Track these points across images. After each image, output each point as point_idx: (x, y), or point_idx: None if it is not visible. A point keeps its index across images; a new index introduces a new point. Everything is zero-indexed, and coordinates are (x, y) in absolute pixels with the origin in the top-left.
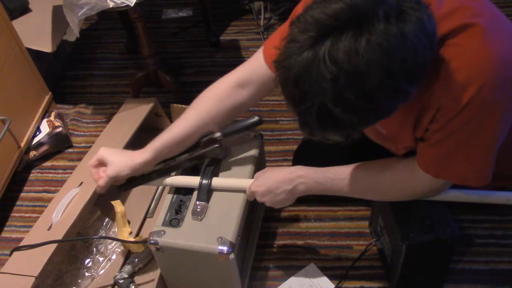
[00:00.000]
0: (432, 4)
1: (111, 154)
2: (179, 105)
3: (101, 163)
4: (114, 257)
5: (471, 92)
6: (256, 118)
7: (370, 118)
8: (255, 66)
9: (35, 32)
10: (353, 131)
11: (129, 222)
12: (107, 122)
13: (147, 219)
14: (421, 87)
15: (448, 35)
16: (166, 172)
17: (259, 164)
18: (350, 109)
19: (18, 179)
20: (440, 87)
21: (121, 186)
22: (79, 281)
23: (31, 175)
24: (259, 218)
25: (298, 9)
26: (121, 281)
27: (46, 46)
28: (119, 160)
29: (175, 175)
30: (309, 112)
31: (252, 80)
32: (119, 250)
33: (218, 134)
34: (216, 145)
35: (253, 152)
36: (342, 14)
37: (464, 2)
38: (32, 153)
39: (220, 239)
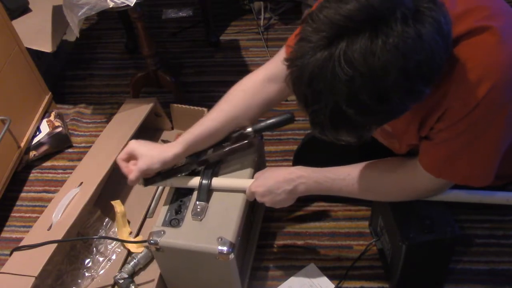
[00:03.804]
0: (446, 3)
1: (142, 147)
2: (179, 105)
3: (131, 157)
4: (114, 257)
5: (481, 94)
6: (288, 115)
7: (384, 118)
8: (281, 61)
9: (35, 32)
10: (366, 131)
11: (129, 222)
12: (107, 122)
13: (147, 219)
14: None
15: (463, 37)
16: (194, 167)
17: (259, 164)
18: (364, 110)
19: (18, 179)
20: (451, 87)
21: (148, 180)
22: (79, 281)
23: (31, 175)
24: (259, 218)
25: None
26: (121, 281)
27: (46, 46)
28: (150, 153)
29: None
30: (322, 112)
31: (280, 75)
32: (119, 250)
33: (249, 130)
34: (245, 141)
35: (253, 152)
36: (358, 15)
37: (479, 2)
38: (32, 153)
39: (220, 239)
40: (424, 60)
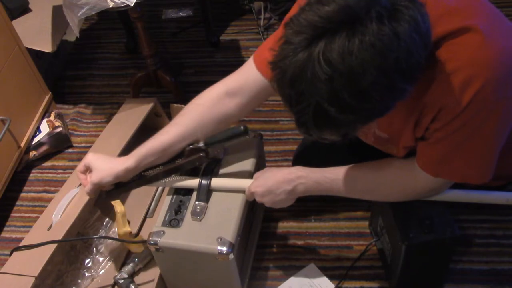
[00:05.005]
0: (428, 3)
1: (97, 160)
2: (179, 105)
3: (87, 169)
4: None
5: (472, 91)
6: (241, 128)
7: (366, 117)
8: (247, 75)
9: (35, 32)
10: (350, 130)
11: (129, 222)
12: (107, 122)
13: (147, 219)
14: (421, 86)
15: (446, 37)
16: (149, 181)
17: (259, 164)
18: (345, 108)
19: (18, 179)
20: (441, 87)
21: (108, 192)
22: (79, 281)
23: (31, 175)
24: (259, 218)
25: (292, 13)
26: (121, 281)
27: (46, 46)
28: (102, 167)
29: (171, 178)
30: (305, 112)
31: (243, 89)
32: (119, 250)
33: (201, 144)
34: (200, 154)
35: (253, 152)
36: (335, 15)
37: (461, 2)
38: (32, 153)
39: (219, 239)
40: (401, 57)
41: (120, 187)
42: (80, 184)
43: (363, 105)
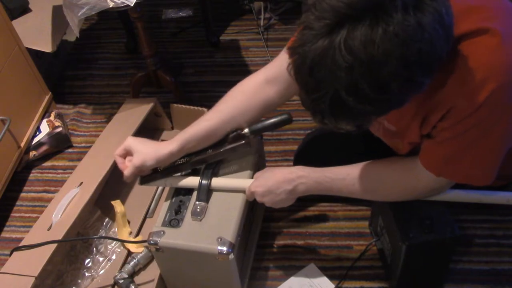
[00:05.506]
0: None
1: (138, 144)
2: (179, 105)
3: (128, 153)
4: (114, 257)
5: (485, 94)
6: (285, 116)
7: (383, 108)
8: (282, 62)
9: (35, 32)
10: (365, 121)
11: (129, 222)
12: (107, 122)
13: (147, 219)
14: (435, 83)
15: (465, 36)
16: (191, 166)
17: (259, 164)
18: (363, 99)
19: (18, 179)
20: (454, 85)
21: (144, 178)
22: (79, 281)
23: (31, 175)
24: (259, 218)
25: None
26: (121, 281)
27: (46, 46)
28: (145, 150)
29: (171, 178)
30: (322, 101)
31: (280, 76)
32: (119, 250)
33: (246, 130)
34: (243, 142)
35: (253, 152)
36: (359, 2)
37: (484, 1)
38: (32, 153)
39: (219, 239)
40: (424, 49)
41: (156, 173)
42: (80, 184)
43: (381, 96)
